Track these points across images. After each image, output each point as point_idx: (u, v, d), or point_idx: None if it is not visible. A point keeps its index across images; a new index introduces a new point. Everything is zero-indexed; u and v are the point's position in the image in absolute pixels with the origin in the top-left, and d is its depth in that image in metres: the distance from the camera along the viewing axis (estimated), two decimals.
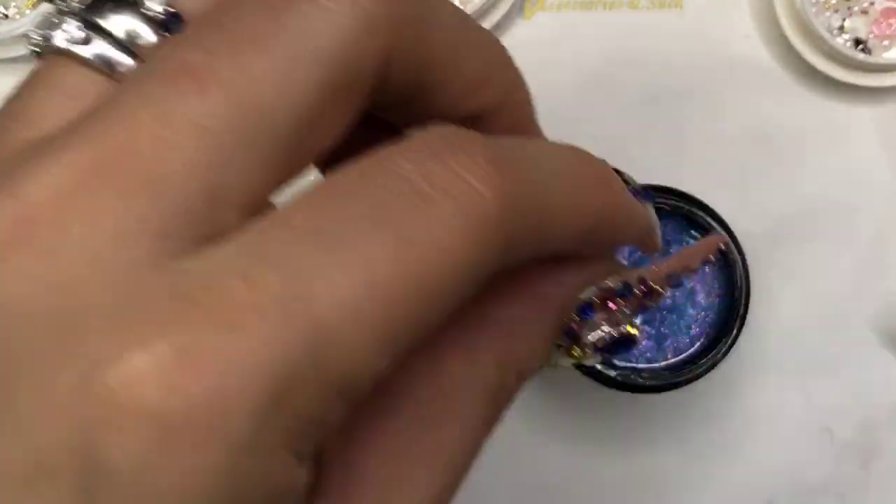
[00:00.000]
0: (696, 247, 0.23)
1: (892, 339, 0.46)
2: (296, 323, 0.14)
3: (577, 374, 0.43)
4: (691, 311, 0.43)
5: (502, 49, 0.20)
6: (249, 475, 0.14)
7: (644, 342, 0.43)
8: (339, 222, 0.14)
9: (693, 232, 0.43)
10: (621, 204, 0.20)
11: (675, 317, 0.43)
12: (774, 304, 0.46)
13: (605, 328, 0.21)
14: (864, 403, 0.46)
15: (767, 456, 0.46)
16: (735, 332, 0.42)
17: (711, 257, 0.23)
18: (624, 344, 0.21)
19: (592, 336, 0.21)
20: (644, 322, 0.43)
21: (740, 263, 0.42)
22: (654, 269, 0.22)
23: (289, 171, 0.16)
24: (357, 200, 0.15)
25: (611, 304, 0.21)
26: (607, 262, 0.21)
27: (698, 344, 0.43)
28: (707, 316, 0.43)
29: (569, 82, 0.47)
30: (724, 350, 0.42)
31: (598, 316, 0.21)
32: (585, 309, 0.21)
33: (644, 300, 0.21)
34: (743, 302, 0.42)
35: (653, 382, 0.42)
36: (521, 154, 0.17)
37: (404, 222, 0.15)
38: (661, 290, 0.21)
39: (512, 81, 0.21)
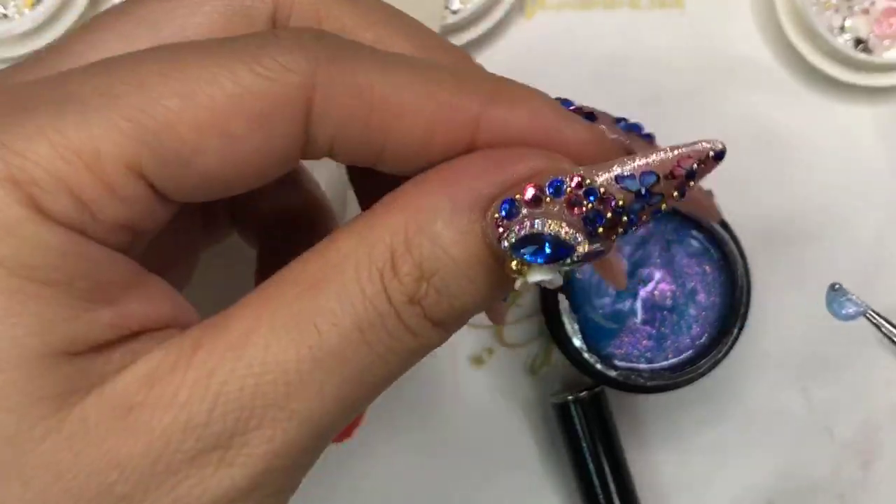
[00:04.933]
0: (682, 148, 0.20)
1: (893, 339, 0.46)
2: None
3: (578, 373, 0.43)
4: (692, 311, 0.43)
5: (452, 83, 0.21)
6: None
7: (644, 342, 0.43)
8: None
9: (694, 232, 0.43)
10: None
11: (675, 316, 0.43)
12: (775, 304, 0.46)
13: (531, 224, 0.19)
14: (864, 403, 0.46)
15: (767, 456, 0.46)
16: (736, 332, 0.42)
17: (700, 163, 0.19)
18: (556, 248, 0.19)
19: (512, 234, 0.19)
20: (644, 322, 0.43)
21: (741, 263, 0.42)
22: (608, 167, 0.19)
23: None
24: None
25: (535, 201, 0.19)
26: (539, 159, 0.20)
27: (699, 344, 0.43)
28: (707, 316, 0.43)
29: (569, 81, 0.47)
30: (724, 350, 0.42)
31: (525, 213, 0.19)
32: (507, 204, 0.19)
33: (586, 203, 0.19)
34: (743, 302, 0.42)
35: (653, 382, 0.42)
36: None
37: None
38: (615, 196, 0.19)
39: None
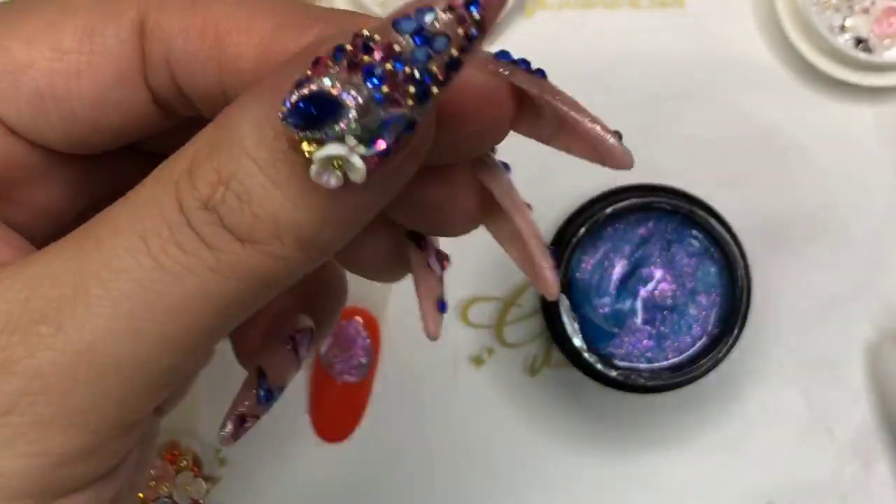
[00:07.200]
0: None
1: (893, 339, 0.46)
2: None
3: (578, 373, 0.42)
4: (692, 311, 0.43)
5: None
6: None
7: (645, 342, 0.43)
8: None
9: (694, 231, 0.43)
10: None
11: (676, 316, 0.43)
12: (775, 303, 0.46)
13: (300, 91, 0.16)
14: (865, 403, 0.46)
15: (767, 456, 0.46)
16: (736, 331, 0.42)
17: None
18: (320, 107, 0.16)
19: (287, 104, 0.16)
20: (645, 322, 0.43)
21: (741, 263, 0.42)
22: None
23: None
24: None
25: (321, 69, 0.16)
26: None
27: (699, 344, 0.43)
28: (708, 315, 0.43)
29: (569, 81, 0.47)
30: (725, 350, 0.42)
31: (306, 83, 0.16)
32: (297, 84, 0.17)
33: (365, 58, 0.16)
34: (744, 301, 0.42)
35: (653, 382, 0.42)
36: None
37: None
38: (395, 44, 0.16)
39: None
